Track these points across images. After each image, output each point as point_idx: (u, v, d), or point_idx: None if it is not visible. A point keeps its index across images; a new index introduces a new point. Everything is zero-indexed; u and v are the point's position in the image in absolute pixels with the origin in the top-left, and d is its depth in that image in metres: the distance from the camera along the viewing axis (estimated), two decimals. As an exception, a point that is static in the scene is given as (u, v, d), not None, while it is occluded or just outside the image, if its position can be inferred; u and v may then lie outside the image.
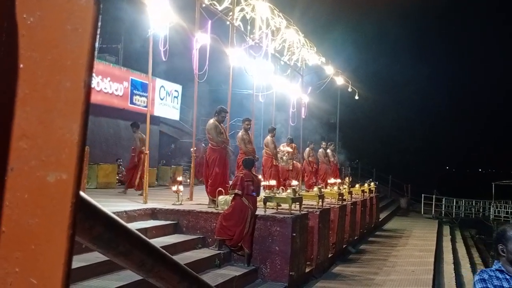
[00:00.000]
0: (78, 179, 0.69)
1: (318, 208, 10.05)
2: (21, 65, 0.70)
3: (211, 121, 9.72)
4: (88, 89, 0.70)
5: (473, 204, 26.82)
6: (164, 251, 1.18)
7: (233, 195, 8.21)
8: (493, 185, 26.13)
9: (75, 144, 0.68)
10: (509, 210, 24.95)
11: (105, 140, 17.54)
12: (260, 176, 10.62)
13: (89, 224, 0.88)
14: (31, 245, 0.68)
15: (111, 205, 8.45)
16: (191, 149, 11.80)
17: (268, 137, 13.21)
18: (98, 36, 0.72)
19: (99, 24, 0.71)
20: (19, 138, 0.69)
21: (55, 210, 0.68)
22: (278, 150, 13.56)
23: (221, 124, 9.78)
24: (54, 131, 0.69)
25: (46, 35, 0.71)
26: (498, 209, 25.39)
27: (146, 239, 1.10)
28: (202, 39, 10.77)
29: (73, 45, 0.70)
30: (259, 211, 8.37)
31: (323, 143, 18.16)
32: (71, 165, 0.68)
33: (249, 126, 11.01)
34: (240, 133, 10.81)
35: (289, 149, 14.54)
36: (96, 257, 5.67)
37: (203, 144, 16.90)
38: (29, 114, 0.69)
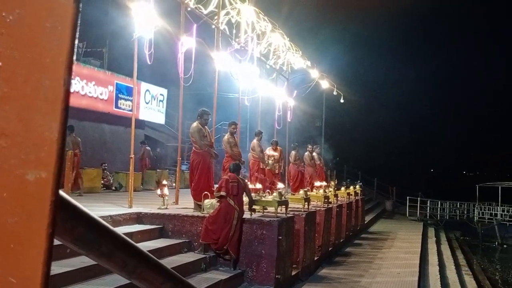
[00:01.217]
0: (57, 177, 0.68)
1: (304, 211, 10.07)
2: (0, 63, 0.70)
3: (194, 124, 9.67)
4: (68, 87, 0.69)
5: (458, 206, 27.07)
6: (147, 252, 1.17)
7: (219, 198, 8.20)
8: (477, 187, 26.42)
9: (55, 142, 0.68)
10: (493, 212, 25.23)
11: (90, 144, 17.39)
12: (247, 180, 10.62)
13: (71, 224, 0.87)
14: (10, 244, 0.67)
15: (96, 209, 8.38)
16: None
17: (255, 141, 13.21)
18: (77, 34, 0.71)
19: (79, 22, 0.71)
20: (-2, 137, 0.69)
21: (35, 209, 0.68)
22: (264, 154, 13.56)
23: (205, 127, 9.73)
24: (34, 129, 0.68)
25: (25, 33, 0.70)
26: (482, 211, 25.67)
27: (129, 240, 1.09)
28: (188, 42, 10.75)
29: (53, 43, 0.70)
30: (245, 215, 8.35)
31: (309, 146, 18.17)
32: (50, 163, 0.68)
33: (235, 130, 11.01)
34: (226, 137, 10.81)
35: (275, 153, 14.53)
36: (81, 262, 5.63)
37: (147, 147, 18.67)
38: (8, 113, 0.69)
